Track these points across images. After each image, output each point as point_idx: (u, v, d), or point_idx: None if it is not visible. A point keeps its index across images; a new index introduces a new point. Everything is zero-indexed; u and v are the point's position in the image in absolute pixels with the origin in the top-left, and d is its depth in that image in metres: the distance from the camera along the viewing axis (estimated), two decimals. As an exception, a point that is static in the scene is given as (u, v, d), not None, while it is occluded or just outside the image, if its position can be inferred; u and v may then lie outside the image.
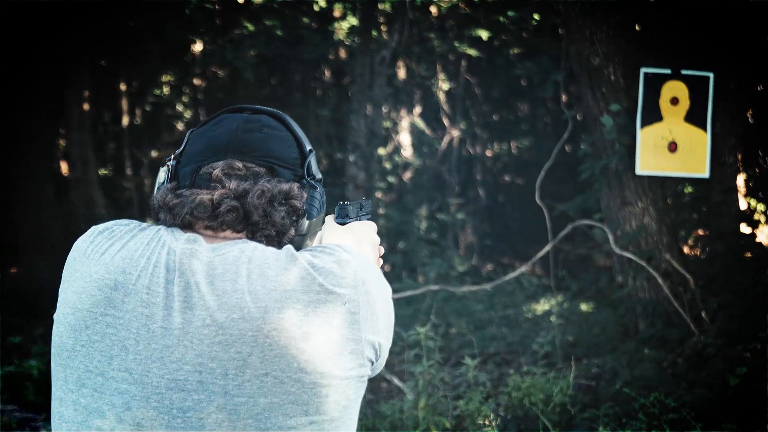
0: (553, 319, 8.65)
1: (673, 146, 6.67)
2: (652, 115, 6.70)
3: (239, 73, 13.62)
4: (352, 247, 1.73)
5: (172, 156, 1.76)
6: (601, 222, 7.56)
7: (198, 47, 14.29)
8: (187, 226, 1.66)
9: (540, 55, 8.16)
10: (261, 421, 1.51)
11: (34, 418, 6.43)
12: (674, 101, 6.68)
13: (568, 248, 9.99)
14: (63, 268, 1.69)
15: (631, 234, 6.91)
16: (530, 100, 17.62)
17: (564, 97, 10.30)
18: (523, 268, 7.38)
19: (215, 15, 13.37)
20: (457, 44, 14.44)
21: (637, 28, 7.24)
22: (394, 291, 2.89)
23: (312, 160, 1.77)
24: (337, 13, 14.21)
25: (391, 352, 2.28)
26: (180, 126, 17.56)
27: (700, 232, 8.11)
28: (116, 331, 1.54)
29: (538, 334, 7.90)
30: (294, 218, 1.71)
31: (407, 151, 15.90)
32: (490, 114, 17.78)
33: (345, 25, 13.98)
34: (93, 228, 1.71)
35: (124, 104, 13.56)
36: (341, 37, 14.24)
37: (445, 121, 16.33)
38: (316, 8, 13.36)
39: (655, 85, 6.69)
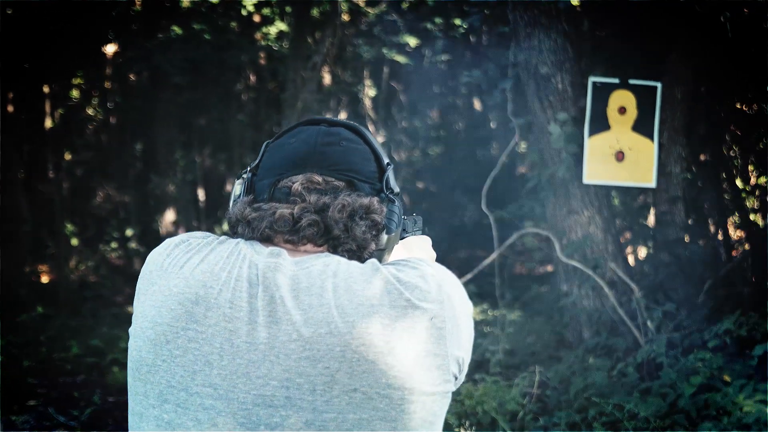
0: (487, 329, 8.68)
1: (620, 155, 6.73)
2: (600, 125, 6.74)
3: (161, 77, 13.43)
4: (432, 261, 1.71)
5: (248, 168, 1.76)
6: (538, 229, 7.60)
7: (110, 49, 14.07)
8: (266, 240, 1.65)
9: (487, 63, 8.17)
10: None
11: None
12: (622, 110, 6.74)
13: (508, 257, 10.04)
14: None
15: (576, 243, 6.95)
16: (443, 107, 17.74)
17: (479, 104, 10.35)
18: (469, 276, 7.38)
19: (140, 18, 13.16)
20: (385, 51, 14.47)
21: (585, 37, 7.30)
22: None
23: (390, 173, 1.76)
24: (257, 18, 14.10)
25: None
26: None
27: (645, 242, 8.21)
28: (199, 345, 1.51)
29: (478, 341, 7.90)
30: (374, 233, 1.69)
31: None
32: (410, 120, 17.86)
33: (273, 30, 13.89)
34: (168, 241, 1.69)
35: (47, 107, 13.29)
36: (269, 42, 14.14)
37: (371, 127, 16.34)
38: (244, 12, 13.24)
39: (602, 94, 6.74)
